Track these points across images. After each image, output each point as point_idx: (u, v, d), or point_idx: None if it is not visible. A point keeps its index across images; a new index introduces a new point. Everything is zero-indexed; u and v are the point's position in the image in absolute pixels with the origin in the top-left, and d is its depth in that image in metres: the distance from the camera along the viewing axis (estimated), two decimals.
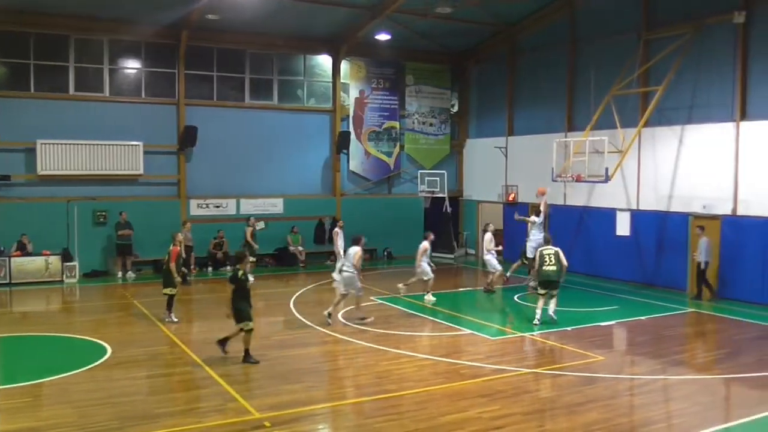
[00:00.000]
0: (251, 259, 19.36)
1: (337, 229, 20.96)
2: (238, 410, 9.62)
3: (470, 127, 28.55)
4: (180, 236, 16.41)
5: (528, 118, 25.33)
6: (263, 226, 24.33)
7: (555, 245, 15.65)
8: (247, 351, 12.09)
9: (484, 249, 19.29)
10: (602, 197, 21.81)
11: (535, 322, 15.02)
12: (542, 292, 15.35)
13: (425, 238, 18.16)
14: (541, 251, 15.50)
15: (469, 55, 27.88)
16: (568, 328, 14.78)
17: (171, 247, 15.41)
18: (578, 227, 22.75)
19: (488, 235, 19.24)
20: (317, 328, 14.79)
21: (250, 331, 12.16)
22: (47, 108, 21.62)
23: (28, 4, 20.58)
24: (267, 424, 9.05)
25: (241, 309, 12.14)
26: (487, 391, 10.57)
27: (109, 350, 12.79)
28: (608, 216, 21.67)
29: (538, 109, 24.83)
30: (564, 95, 23.54)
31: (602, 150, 19.22)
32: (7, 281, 19.96)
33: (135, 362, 12.21)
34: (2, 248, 20.62)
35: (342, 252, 19.13)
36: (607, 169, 19.00)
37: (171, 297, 15.30)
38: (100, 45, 22.41)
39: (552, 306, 15.35)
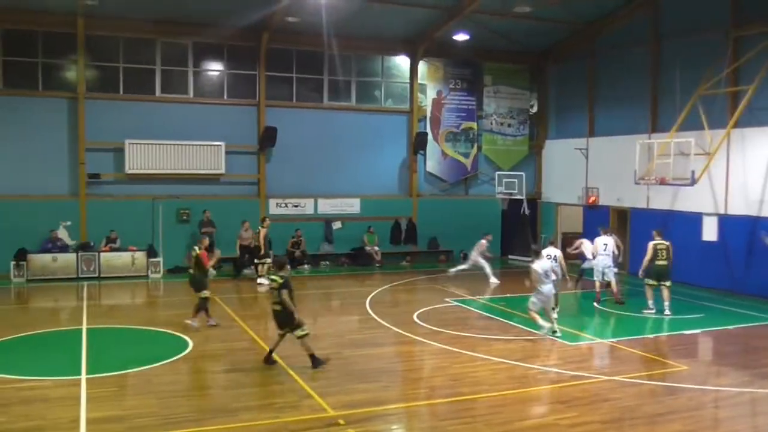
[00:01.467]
0: (267, 260, 19.60)
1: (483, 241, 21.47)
2: (313, 407, 9.73)
3: (549, 127, 28.07)
4: (206, 241, 15.97)
5: (609, 118, 24.70)
6: (340, 226, 24.64)
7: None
8: (312, 356, 11.66)
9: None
10: (687, 201, 21.04)
11: (650, 308, 16.24)
12: (653, 283, 16.30)
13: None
14: (655, 245, 16.39)
15: (548, 55, 27.43)
16: (650, 336, 14.34)
17: (198, 251, 14.90)
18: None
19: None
20: (392, 327, 14.82)
21: (305, 335, 11.75)
22: (135, 109, 22.47)
23: (118, 11, 21.42)
24: (341, 422, 9.12)
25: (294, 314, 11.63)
26: (564, 397, 10.36)
27: (191, 344, 13.15)
28: (694, 220, 20.90)
29: (620, 110, 24.18)
30: (647, 95, 22.85)
31: (688, 152, 18.60)
32: (97, 275, 20.82)
33: (215, 357, 12.52)
34: (92, 243, 21.54)
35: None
36: (693, 172, 18.36)
37: (205, 300, 14.73)
38: (185, 48, 23.12)
39: (666, 299, 16.19)
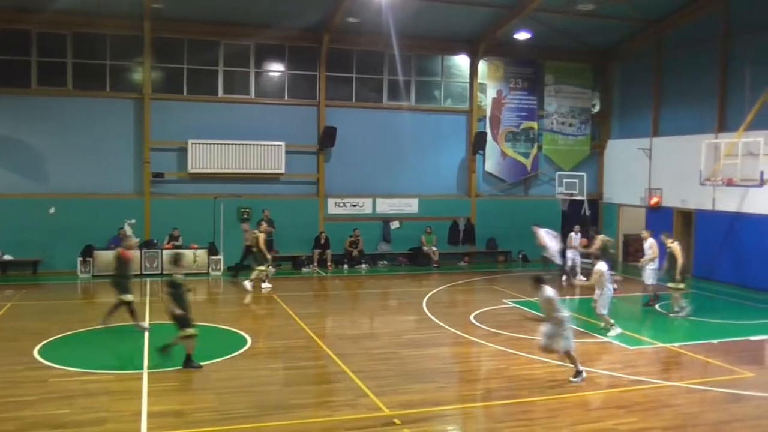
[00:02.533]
0: (261, 268, 19.24)
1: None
2: (369, 406, 9.74)
3: (612, 127, 27.48)
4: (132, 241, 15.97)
5: (674, 118, 24.03)
6: (398, 225, 24.66)
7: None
8: (188, 356, 11.51)
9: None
10: (756, 203, 20.29)
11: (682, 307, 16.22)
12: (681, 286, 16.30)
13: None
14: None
15: (611, 53, 26.86)
16: (714, 341, 13.89)
17: (119, 250, 14.44)
18: (728, 234, 21.34)
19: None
20: (449, 328, 14.73)
21: (190, 337, 11.59)
22: (198, 110, 22.94)
23: (183, 13, 21.90)
24: (397, 421, 9.11)
25: (183, 315, 11.53)
26: (623, 402, 10.12)
27: (249, 341, 13.34)
28: (763, 223, 20.16)
29: (686, 109, 23.51)
30: (715, 94, 22.14)
31: (757, 152, 17.94)
32: (159, 272, 21.32)
33: (273, 354, 12.68)
34: (156, 240, 22.08)
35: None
36: (762, 173, 17.71)
37: (128, 304, 14.12)
38: (247, 49, 23.49)
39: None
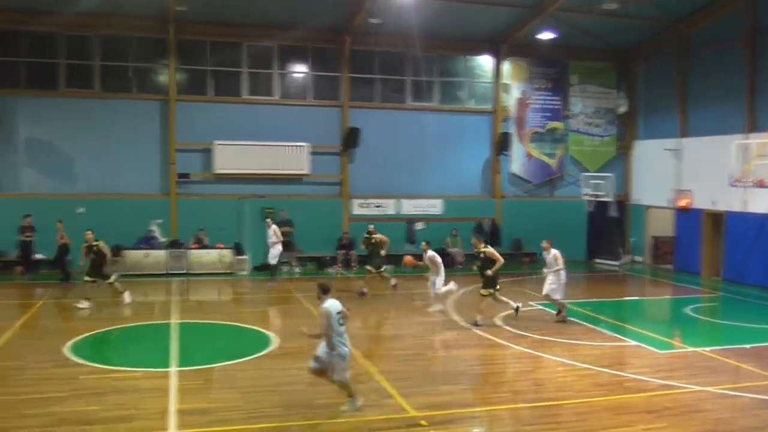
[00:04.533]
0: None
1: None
2: (394, 407, 9.71)
3: (638, 127, 27.19)
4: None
5: (702, 118, 23.69)
6: (422, 226, 24.61)
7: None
8: None
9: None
10: None
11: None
12: None
13: None
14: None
15: (635, 53, 26.60)
16: (747, 346, 13.66)
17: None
18: (758, 236, 21.00)
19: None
20: (474, 330, 14.65)
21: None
22: (222, 111, 23.08)
23: (207, 16, 22.04)
24: (423, 423, 9.07)
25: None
26: (653, 407, 9.98)
27: (275, 341, 13.37)
28: None
29: (713, 109, 23.17)
30: (743, 93, 21.79)
31: None
32: (185, 272, 21.46)
33: (298, 353, 12.64)
34: (182, 241, 22.23)
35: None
36: None
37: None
38: (270, 51, 23.59)
39: None
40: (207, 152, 22.84)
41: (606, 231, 25.99)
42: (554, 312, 15.95)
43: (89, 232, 16.98)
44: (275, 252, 20.69)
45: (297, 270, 22.53)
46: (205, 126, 22.82)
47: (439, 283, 16.64)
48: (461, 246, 24.43)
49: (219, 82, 23.31)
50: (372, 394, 10.28)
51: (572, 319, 15.89)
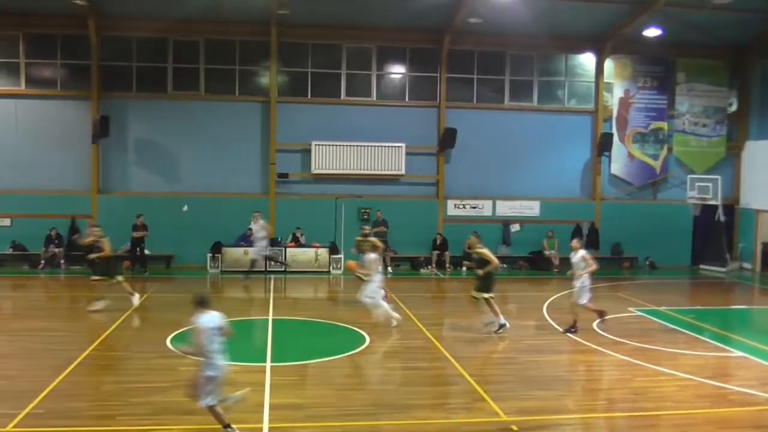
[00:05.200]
0: None
1: None
2: (485, 410, 9.60)
3: (750, 127, 25.79)
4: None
5: None
6: (518, 228, 24.26)
7: None
8: None
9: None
10: None
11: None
12: None
13: None
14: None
15: (749, 49, 25.22)
16: None
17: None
18: None
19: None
20: (570, 335, 14.30)
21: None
22: (321, 112, 23.49)
23: (308, 18, 22.47)
24: (514, 428, 8.92)
25: None
26: (760, 421, 9.44)
27: (368, 339, 13.48)
28: None
29: None
30: None
31: None
32: (283, 269, 21.97)
33: (391, 353, 12.75)
34: (280, 239, 22.78)
35: None
36: None
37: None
38: (369, 52, 23.82)
39: None
40: (305, 152, 23.32)
41: (712, 236, 24.78)
42: (654, 318, 15.34)
43: (97, 228, 16.49)
44: (259, 247, 20.80)
45: (390, 270, 22.64)
46: (304, 126, 23.31)
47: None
48: (558, 249, 23.90)
49: (318, 84, 23.75)
50: (463, 397, 10.22)
51: (674, 327, 15.26)
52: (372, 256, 14.98)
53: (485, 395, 10.19)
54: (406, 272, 22.89)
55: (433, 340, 13.68)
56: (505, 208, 24.49)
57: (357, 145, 23.30)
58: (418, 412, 9.47)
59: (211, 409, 8.37)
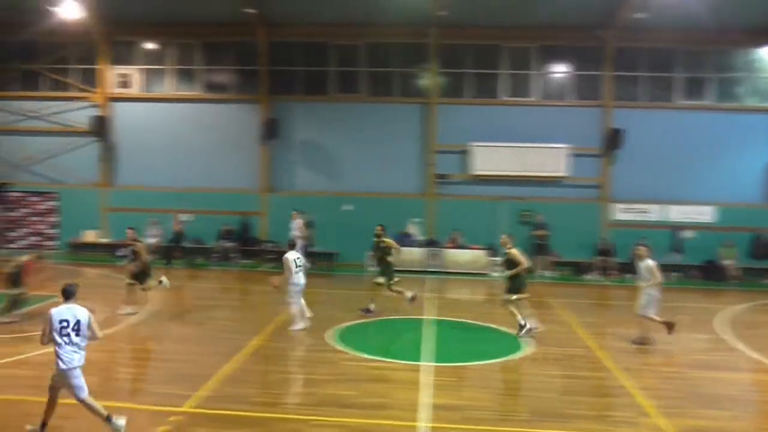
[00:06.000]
0: None
1: None
2: (651, 426, 9.06)
3: None
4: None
5: None
6: (691, 235, 22.80)
7: None
8: None
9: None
10: None
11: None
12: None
13: None
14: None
15: None
16: None
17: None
18: None
19: None
20: (748, 352, 13.22)
21: None
22: (481, 113, 23.34)
23: (468, 19, 22.39)
24: None
25: None
26: None
27: (526, 345, 13.18)
28: None
29: None
30: None
31: None
32: (441, 270, 22.01)
33: (550, 360, 12.37)
34: (438, 240, 22.85)
35: None
36: None
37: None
38: (529, 51, 23.36)
39: None
40: (464, 153, 23.24)
41: None
42: None
43: (130, 230, 15.81)
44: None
45: (547, 274, 22.05)
46: (463, 127, 23.26)
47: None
48: (737, 258, 22.19)
49: (478, 84, 23.62)
50: (627, 410, 9.71)
51: None
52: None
53: (651, 410, 9.63)
54: (568, 277, 22.20)
55: (595, 348, 13.14)
56: (676, 213, 23.09)
57: (517, 146, 22.89)
58: (578, 423, 9.11)
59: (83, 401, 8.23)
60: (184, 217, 23.81)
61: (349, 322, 14.72)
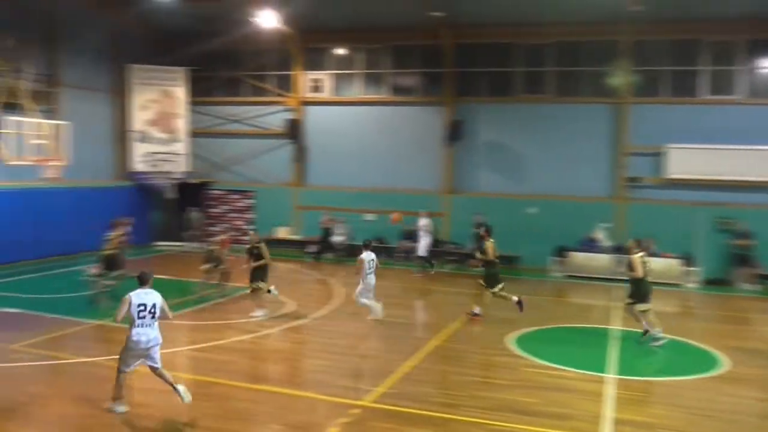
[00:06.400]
0: None
1: None
2: None
3: None
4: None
5: None
6: None
7: None
8: None
9: None
10: None
11: None
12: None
13: None
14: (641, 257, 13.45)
15: None
16: None
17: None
18: None
19: None
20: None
21: None
22: (677, 113, 21.88)
23: (662, 14, 21.07)
24: None
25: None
26: None
27: (724, 363, 12.14)
28: None
29: None
30: None
31: None
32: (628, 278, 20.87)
33: (751, 381, 11.31)
34: (625, 246, 21.72)
35: None
36: None
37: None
38: (734, 46, 21.58)
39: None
40: (658, 156, 21.91)
41: None
42: None
43: (252, 233, 15.97)
44: (423, 244, 21.61)
45: (749, 288, 20.18)
46: (658, 128, 21.93)
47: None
48: None
49: (674, 82, 22.18)
50: None
51: None
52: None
53: None
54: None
55: None
56: None
57: (719, 148, 21.17)
58: None
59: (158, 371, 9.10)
60: (368, 216, 24.55)
61: (530, 328, 14.39)
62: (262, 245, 14.98)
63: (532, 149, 23.36)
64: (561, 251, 21.96)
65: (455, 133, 23.32)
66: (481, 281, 15.30)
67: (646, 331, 13.40)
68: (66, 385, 10.25)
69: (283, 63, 26.22)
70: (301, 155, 26.07)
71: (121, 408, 8.91)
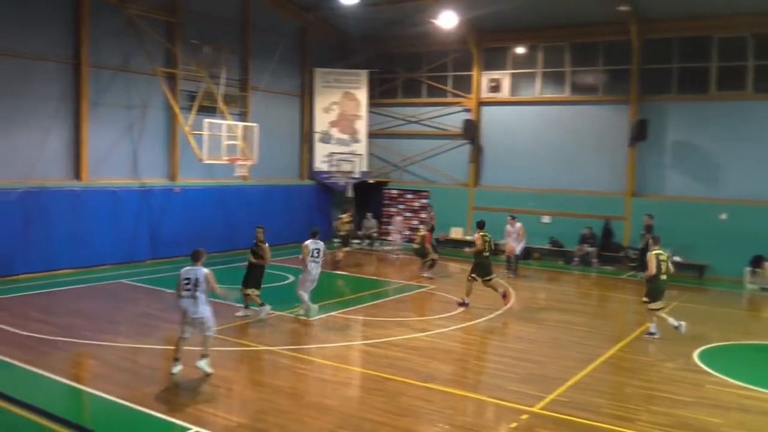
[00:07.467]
0: None
1: None
2: None
3: None
4: None
5: None
6: None
7: None
8: None
9: None
10: None
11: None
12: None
13: None
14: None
15: None
16: None
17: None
18: None
19: None
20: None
21: None
22: None
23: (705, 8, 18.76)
24: None
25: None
26: None
27: None
28: None
29: None
30: None
31: None
32: None
33: None
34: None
35: None
36: None
37: None
38: None
39: None
40: None
41: None
42: None
43: (259, 229, 14.17)
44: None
45: None
46: None
47: None
48: None
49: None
50: None
51: None
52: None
53: None
54: None
55: None
56: None
57: None
58: None
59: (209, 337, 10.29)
60: (545, 219, 24.02)
61: (719, 343, 13.37)
62: (265, 245, 13.94)
63: (726, 150, 21.60)
64: (757, 261, 20.17)
65: (640, 132, 22.13)
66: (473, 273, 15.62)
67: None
68: (248, 371, 10.95)
69: (462, 63, 26.28)
70: (477, 155, 26.00)
71: (176, 368, 10.06)
